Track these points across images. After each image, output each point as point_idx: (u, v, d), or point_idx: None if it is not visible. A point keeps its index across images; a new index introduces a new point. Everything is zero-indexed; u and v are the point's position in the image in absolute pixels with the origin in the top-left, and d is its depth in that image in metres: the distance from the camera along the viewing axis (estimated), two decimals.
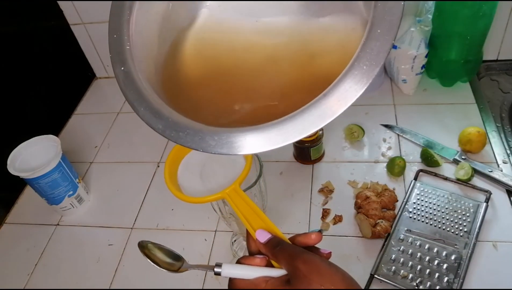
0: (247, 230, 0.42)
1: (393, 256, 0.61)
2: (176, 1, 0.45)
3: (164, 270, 0.41)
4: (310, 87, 0.37)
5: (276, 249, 0.39)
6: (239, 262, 0.41)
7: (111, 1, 0.44)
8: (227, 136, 0.36)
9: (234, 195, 0.45)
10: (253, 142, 0.36)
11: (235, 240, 0.69)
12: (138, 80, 0.41)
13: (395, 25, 0.34)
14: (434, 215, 0.65)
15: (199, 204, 0.72)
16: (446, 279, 0.58)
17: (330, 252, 0.40)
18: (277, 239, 0.40)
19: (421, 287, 0.58)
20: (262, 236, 0.40)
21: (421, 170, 0.72)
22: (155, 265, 0.41)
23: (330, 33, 0.42)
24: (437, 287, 0.57)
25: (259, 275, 0.39)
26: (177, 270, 0.42)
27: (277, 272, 0.39)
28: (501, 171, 0.70)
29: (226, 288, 0.40)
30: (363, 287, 0.60)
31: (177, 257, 0.43)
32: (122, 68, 0.41)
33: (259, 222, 0.42)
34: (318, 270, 0.36)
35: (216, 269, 0.39)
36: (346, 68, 0.34)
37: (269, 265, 0.41)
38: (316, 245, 0.41)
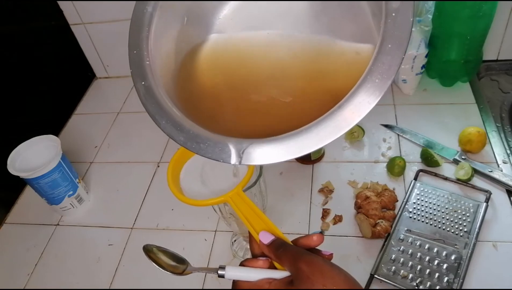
0: (249, 233, 0.43)
1: (393, 256, 0.61)
2: (191, 17, 0.47)
3: (169, 273, 0.43)
4: (319, 99, 0.40)
5: (279, 251, 0.40)
6: (242, 264, 0.42)
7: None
8: (247, 147, 0.37)
9: (237, 199, 0.45)
10: (272, 152, 0.37)
11: (235, 240, 0.69)
12: (158, 94, 0.42)
13: (405, 39, 0.34)
14: (434, 215, 0.65)
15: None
16: (446, 279, 0.58)
17: (332, 254, 0.41)
18: (280, 241, 0.41)
19: (421, 287, 0.58)
20: (265, 238, 0.41)
21: (421, 170, 0.72)
22: (160, 268, 0.43)
23: (338, 54, 0.43)
24: (437, 287, 0.57)
25: (262, 277, 0.40)
26: (181, 273, 0.43)
27: (280, 273, 0.40)
28: (501, 171, 0.70)
29: (226, 288, 0.41)
30: (363, 287, 0.60)
31: (181, 260, 0.44)
32: (143, 83, 0.42)
33: (262, 225, 0.43)
34: (321, 271, 0.36)
35: (219, 272, 0.40)
36: (359, 81, 0.35)
37: (271, 267, 0.41)
38: (317, 247, 0.41)
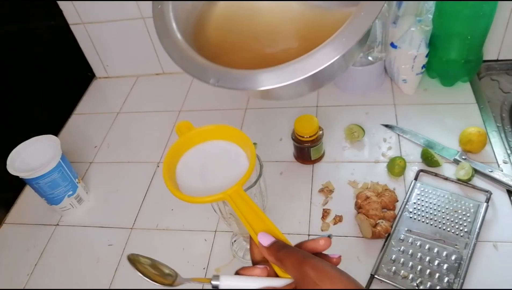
0: (250, 238, 0.41)
1: (394, 256, 0.61)
2: None
3: (157, 284, 0.38)
4: (305, 47, 0.45)
5: (281, 253, 0.37)
6: (237, 273, 0.38)
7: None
8: (225, 74, 0.45)
9: (236, 197, 0.43)
10: (265, 78, 0.43)
11: (235, 240, 0.69)
12: (168, 17, 0.49)
13: (375, 13, 0.41)
14: (435, 215, 0.65)
15: (198, 204, 0.72)
16: (446, 279, 0.58)
17: (340, 257, 0.38)
18: (281, 242, 0.38)
19: (421, 287, 0.58)
20: (264, 239, 0.38)
21: (421, 170, 0.72)
22: (148, 279, 0.38)
23: (329, 13, 0.51)
24: (438, 287, 0.57)
25: (260, 286, 0.36)
26: (171, 284, 0.39)
27: (280, 282, 0.37)
28: (502, 171, 0.70)
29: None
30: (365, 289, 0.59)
31: (169, 272, 0.40)
32: (159, 6, 0.49)
33: (261, 225, 0.40)
34: (330, 277, 0.34)
35: (213, 282, 0.36)
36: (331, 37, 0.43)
37: (271, 275, 0.38)
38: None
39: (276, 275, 0.38)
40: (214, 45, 0.52)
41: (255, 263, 0.40)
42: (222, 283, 0.36)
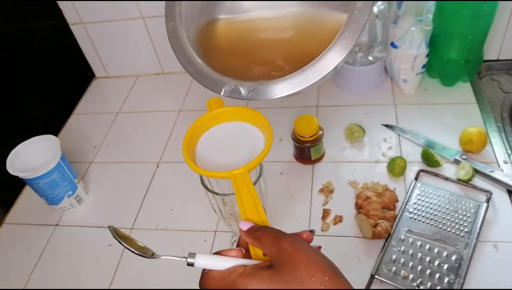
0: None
1: (394, 256, 0.61)
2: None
3: (139, 254, 0.39)
4: (302, 58, 0.50)
5: (259, 232, 0.37)
6: (215, 254, 0.39)
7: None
8: (232, 83, 0.51)
9: (240, 179, 0.43)
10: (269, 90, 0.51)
11: (235, 241, 0.69)
12: (181, 34, 0.55)
13: (360, 30, 0.47)
14: (435, 215, 0.65)
15: (197, 207, 0.71)
16: (446, 279, 0.58)
17: (320, 246, 0.39)
18: (259, 225, 0.39)
19: (421, 287, 0.58)
20: (244, 225, 0.39)
21: (421, 170, 0.72)
22: (130, 248, 0.38)
23: (319, 24, 0.55)
24: (438, 288, 0.57)
25: (233, 264, 0.37)
26: (150, 257, 0.39)
27: (253, 263, 0.37)
28: (502, 171, 0.70)
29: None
30: (363, 287, 0.59)
31: (145, 247, 0.41)
32: (172, 24, 0.55)
33: (255, 214, 0.41)
34: (305, 252, 0.34)
35: (189, 260, 0.37)
36: (333, 41, 0.48)
37: (247, 257, 0.39)
38: None
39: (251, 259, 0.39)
40: (219, 56, 0.58)
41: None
42: (197, 261, 0.37)
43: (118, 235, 0.39)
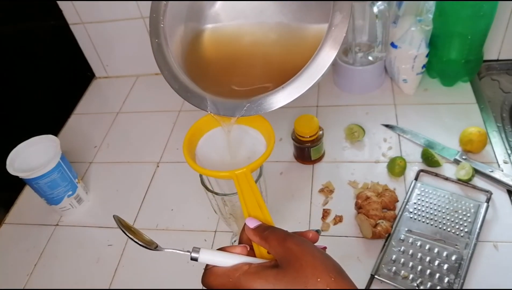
0: (244, 225, 0.41)
1: (394, 256, 0.61)
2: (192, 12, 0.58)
3: (143, 245, 0.38)
4: (286, 72, 0.49)
5: (266, 232, 0.37)
6: (219, 250, 0.38)
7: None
8: (218, 101, 0.50)
9: (243, 179, 0.43)
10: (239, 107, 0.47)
11: (235, 241, 0.69)
12: (166, 51, 0.53)
13: (340, 43, 0.45)
14: (435, 215, 0.65)
15: (198, 205, 0.71)
16: (446, 279, 0.58)
17: (325, 247, 0.39)
18: (267, 224, 0.39)
19: (421, 287, 0.58)
20: (252, 222, 0.39)
21: (421, 170, 0.72)
22: (135, 240, 0.38)
23: (302, 38, 0.54)
24: (438, 288, 0.57)
25: (238, 262, 0.36)
26: (154, 249, 0.39)
27: (258, 261, 0.37)
28: (502, 171, 0.70)
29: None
30: (363, 288, 0.59)
31: (150, 239, 0.40)
32: (156, 40, 0.54)
33: (258, 213, 0.41)
34: (312, 253, 0.34)
35: (193, 254, 0.37)
36: (319, 46, 0.46)
37: (251, 255, 0.38)
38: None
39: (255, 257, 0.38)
40: (207, 72, 0.57)
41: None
42: (201, 256, 0.37)
43: (122, 225, 0.38)
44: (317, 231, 0.40)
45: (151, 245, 0.39)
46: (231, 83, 0.54)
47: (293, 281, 0.32)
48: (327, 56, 0.44)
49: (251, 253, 0.39)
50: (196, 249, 0.37)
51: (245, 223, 0.40)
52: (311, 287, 0.32)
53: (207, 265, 0.38)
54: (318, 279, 0.32)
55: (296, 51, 0.53)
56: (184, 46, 0.57)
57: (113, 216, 0.39)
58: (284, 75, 0.47)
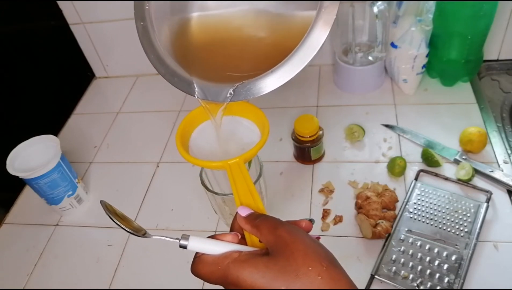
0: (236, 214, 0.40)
1: (394, 256, 0.61)
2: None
3: (130, 232, 0.38)
4: (277, 54, 0.47)
5: (258, 220, 0.36)
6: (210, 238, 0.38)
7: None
8: (206, 86, 0.48)
9: (236, 169, 0.43)
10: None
11: None
12: (152, 34, 0.51)
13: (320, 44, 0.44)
14: (435, 215, 0.65)
15: (198, 205, 0.71)
16: (446, 279, 0.58)
17: (319, 237, 0.38)
18: (259, 213, 0.38)
19: (421, 287, 0.57)
20: (243, 210, 0.38)
21: (421, 170, 0.72)
22: (122, 225, 0.38)
23: (292, 23, 0.53)
24: (438, 288, 0.57)
25: (228, 250, 0.36)
26: (142, 236, 0.38)
27: (248, 249, 0.36)
28: (502, 171, 0.70)
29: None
30: (363, 288, 0.59)
31: (138, 227, 0.40)
32: (142, 23, 0.52)
33: (251, 202, 0.40)
34: (303, 241, 0.33)
35: (182, 242, 0.36)
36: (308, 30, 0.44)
37: (242, 244, 0.37)
38: None
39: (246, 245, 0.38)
40: (195, 57, 0.56)
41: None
42: (190, 243, 0.36)
43: (109, 211, 0.37)
44: (311, 221, 0.39)
45: (139, 232, 0.38)
46: (220, 68, 0.53)
47: (283, 269, 0.32)
48: (317, 38, 0.43)
49: (243, 241, 0.38)
50: (186, 236, 0.36)
51: (236, 212, 0.39)
52: (302, 275, 0.31)
53: (196, 253, 0.37)
54: (310, 268, 0.32)
55: (286, 35, 0.52)
56: (172, 31, 0.55)
57: (100, 201, 0.38)
58: (275, 60, 0.46)
